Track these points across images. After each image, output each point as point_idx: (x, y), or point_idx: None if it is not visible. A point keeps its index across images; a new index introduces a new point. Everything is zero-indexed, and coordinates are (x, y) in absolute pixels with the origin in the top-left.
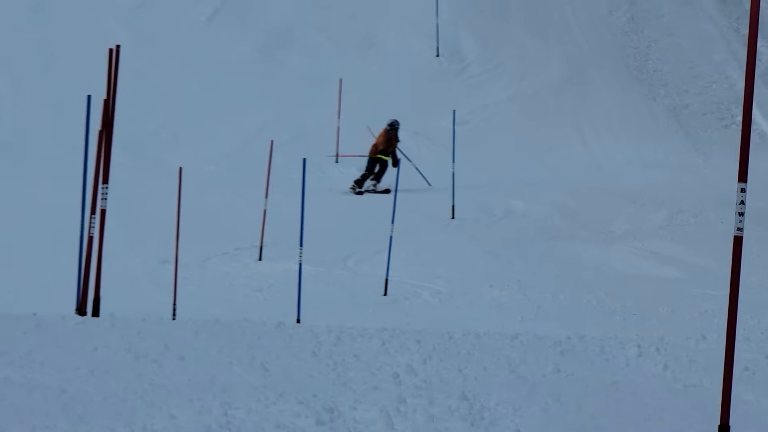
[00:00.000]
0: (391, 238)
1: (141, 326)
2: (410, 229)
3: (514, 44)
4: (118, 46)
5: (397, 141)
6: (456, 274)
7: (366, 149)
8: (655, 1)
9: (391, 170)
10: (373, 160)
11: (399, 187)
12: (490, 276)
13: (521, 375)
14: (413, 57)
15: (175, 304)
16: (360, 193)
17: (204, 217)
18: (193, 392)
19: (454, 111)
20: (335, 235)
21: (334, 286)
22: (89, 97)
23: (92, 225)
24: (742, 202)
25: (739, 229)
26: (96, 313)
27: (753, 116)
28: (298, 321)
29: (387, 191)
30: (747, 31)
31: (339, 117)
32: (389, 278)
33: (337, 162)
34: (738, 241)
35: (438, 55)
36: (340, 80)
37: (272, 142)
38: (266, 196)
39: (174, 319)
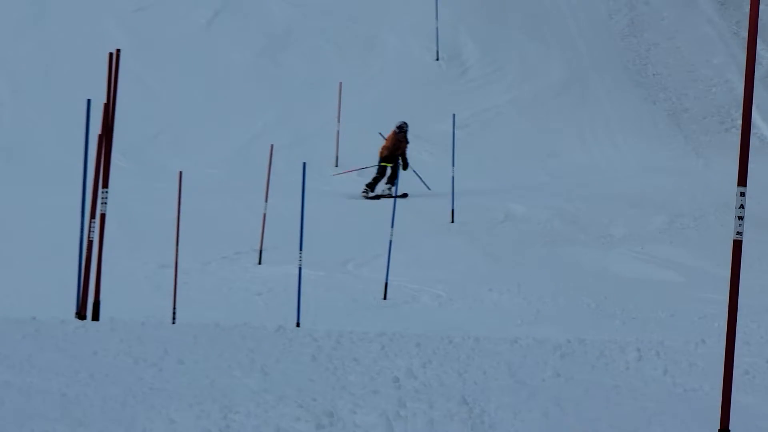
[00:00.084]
0: (390, 242)
1: (141, 330)
2: (410, 233)
3: (514, 48)
4: (118, 50)
5: (407, 143)
6: (456, 278)
7: (368, 154)
8: (654, 5)
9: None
10: (383, 163)
11: (399, 191)
12: (489, 280)
13: (521, 379)
14: (413, 61)
15: (174, 308)
16: (374, 197)
17: (204, 221)
18: (193, 396)
19: (453, 115)
20: (335, 239)
21: (334, 290)
22: (89, 101)
23: (92, 229)
24: (742, 206)
25: (739, 233)
26: (96, 317)
27: (753, 120)
28: (298, 325)
29: (405, 195)
30: (747, 35)
31: (339, 121)
32: (389, 282)
33: (337, 166)
34: (738, 245)
35: (438, 59)
36: (340, 84)
37: (272, 145)
38: (266, 200)
39: (174, 323)
